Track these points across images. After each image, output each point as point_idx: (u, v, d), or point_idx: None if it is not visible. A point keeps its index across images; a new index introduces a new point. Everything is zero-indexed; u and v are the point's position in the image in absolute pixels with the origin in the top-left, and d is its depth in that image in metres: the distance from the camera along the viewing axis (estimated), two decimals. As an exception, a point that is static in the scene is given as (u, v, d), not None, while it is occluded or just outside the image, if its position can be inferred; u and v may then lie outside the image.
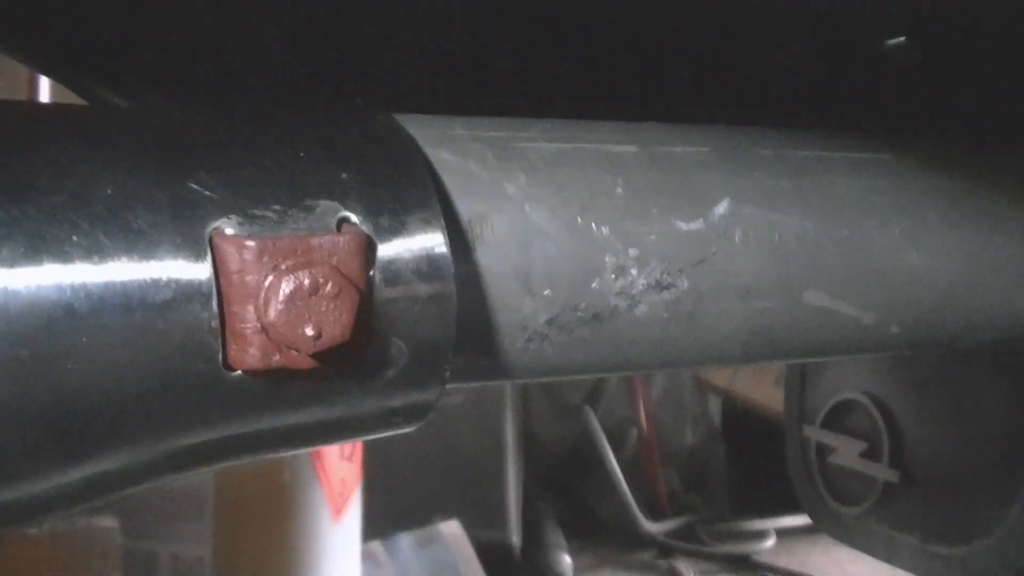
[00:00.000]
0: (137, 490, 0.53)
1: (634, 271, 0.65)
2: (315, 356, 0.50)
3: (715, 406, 3.37)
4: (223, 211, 0.50)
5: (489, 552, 2.47)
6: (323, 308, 0.50)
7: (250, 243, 0.50)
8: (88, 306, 0.47)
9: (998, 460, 1.05)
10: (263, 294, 0.49)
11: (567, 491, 3.15)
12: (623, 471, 3.02)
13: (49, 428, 0.47)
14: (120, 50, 0.68)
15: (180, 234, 0.49)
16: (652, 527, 3.00)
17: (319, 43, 0.73)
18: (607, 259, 0.64)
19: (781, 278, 0.71)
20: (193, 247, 0.49)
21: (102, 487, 0.51)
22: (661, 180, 0.68)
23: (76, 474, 0.50)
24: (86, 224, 0.47)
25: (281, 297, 0.49)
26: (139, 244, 0.48)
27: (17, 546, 1.75)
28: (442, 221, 0.56)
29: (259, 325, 0.49)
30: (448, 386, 0.59)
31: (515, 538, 2.62)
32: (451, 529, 2.44)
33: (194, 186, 0.51)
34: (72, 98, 0.70)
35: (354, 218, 0.54)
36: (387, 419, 0.58)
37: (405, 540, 2.39)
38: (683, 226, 0.67)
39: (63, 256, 0.47)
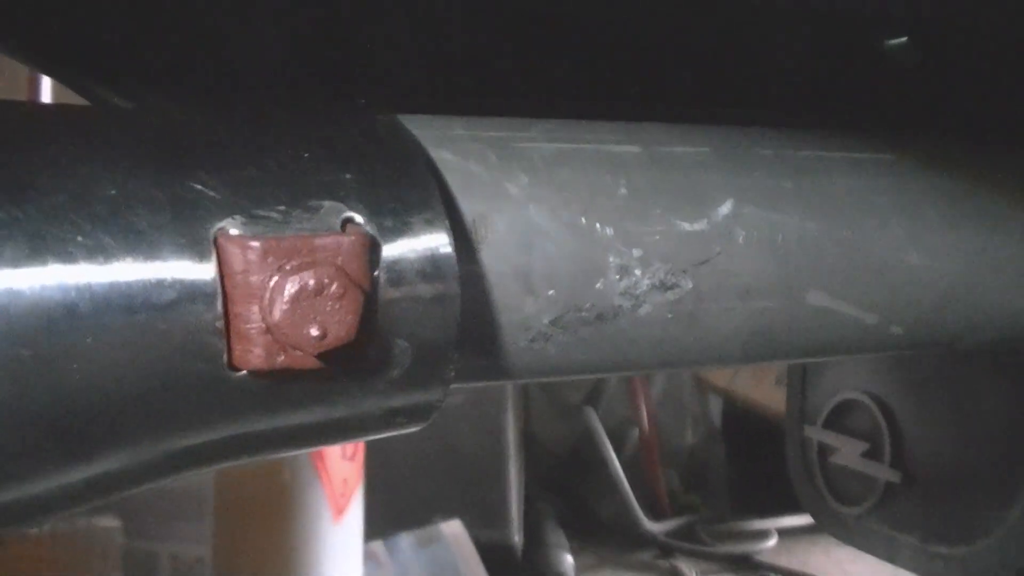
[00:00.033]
0: (139, 490, 0.53)
1: (638, 271, 0.65)
2: (319, 356, 0.50)
3: (715, 406, 3.36)
4: (226, 211, 0.50)
5: (490, 552, 2.46)
6: (328, 308, 0.50)
7: (255, 243, 0.50)
8: (90, 306, 0.47)
9: (999, 460, 1.05)
10: (268, 294, 0.49)
11: (568, 491, 3.14)
12: (623, 471, 3.02)
13: (50, 428, 0.47)
14: (120, 50, 0.68)
15: (183, 234, 0.49)
16: (653, 527, 3.00)
17: (319, 43, 0.73)
18: (610, 259, 0.64)
19: (782, 278, 0.71)
20: (197, 247, 0.49)
21: (103, 487, 0.51)
22: (663, 180, 0.68)
23: (77, 474, 0.49)
24: (87, 224, 0.47)
25: (286, 297, 0.49)
26: (142, 244, 0.48)
27: (17, 546, 1.75)
28: (446, 221, 0.56)
29: (263, 325, 0.49)
30: (451, 386, 0.59)
31: (516, 538, 2.62)
32: (452, 529, 2.43)
33: (196, 186, 0.50)
34: (73, 98, 0.70)
35: (358, 218, 0.54)
36: (391, 419, 0.58)
37: (406, 540, 2.39)
38: (686, 227, 0.67)
39: (65, 256, 0.46)
